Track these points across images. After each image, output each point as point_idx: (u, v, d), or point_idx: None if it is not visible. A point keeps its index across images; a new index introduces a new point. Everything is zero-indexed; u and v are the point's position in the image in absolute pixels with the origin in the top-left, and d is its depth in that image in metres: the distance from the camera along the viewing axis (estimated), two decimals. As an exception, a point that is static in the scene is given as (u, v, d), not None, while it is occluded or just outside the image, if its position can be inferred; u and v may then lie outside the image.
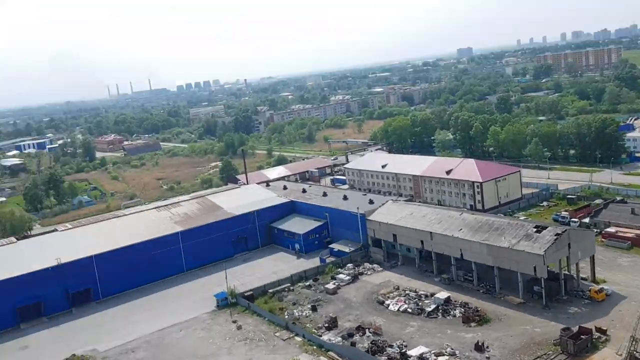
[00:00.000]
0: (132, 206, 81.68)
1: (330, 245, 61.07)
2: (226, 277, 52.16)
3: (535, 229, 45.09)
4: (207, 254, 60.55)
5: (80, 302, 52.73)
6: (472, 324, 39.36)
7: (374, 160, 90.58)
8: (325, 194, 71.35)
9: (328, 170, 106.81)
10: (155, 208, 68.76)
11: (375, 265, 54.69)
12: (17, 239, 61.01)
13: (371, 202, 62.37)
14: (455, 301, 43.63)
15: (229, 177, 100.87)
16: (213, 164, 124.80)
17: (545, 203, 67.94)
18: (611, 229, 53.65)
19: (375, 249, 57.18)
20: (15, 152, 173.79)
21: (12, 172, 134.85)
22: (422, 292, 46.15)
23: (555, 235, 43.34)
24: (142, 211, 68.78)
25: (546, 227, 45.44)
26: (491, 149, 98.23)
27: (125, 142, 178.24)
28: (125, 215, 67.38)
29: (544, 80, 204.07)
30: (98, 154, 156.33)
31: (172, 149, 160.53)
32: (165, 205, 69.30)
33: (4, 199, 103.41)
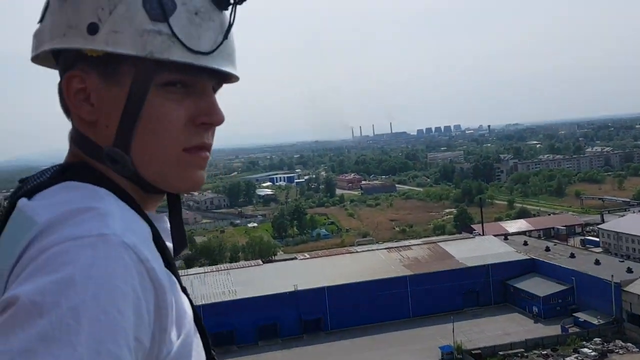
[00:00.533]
0: (364, 244, 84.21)
1: (575, 314, 54.14)
2: (453, 330, 49.60)
3: None
4: (434, 302, 58.59)
5: (310, 330, 55.30)
6: None
7: (637, 223, 78.69)
8: (572, 256, 63.96)
9: (578, 229, 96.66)
10: (386, 248, 69.59)
11: (629, 345, 47.16)
12: (263, 262, 67.13)
13: (630, 270, 54.05)
14: None
15: (463, 225, 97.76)
16: (447, 210, 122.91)
17: None
18: None
19: (631, 326, 49.16)
20: (268, 183, 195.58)
21: (264, 201, 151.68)
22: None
23: None
24: (373, 250, 70.15)
25: None
26: None
27: (363, 182, 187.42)
28: (358, 251, 69.38)
29: None
30: (338, 191, 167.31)
31: (407, 192, 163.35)
32: (396, 247, 69.67)
33: (255, 224, 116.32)
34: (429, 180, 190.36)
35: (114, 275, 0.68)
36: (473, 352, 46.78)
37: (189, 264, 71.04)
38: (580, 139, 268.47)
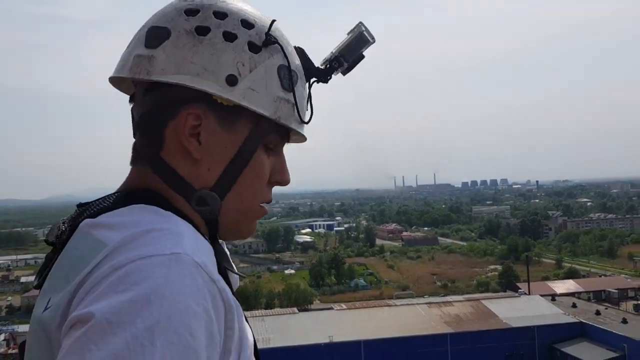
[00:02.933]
0: (403, 297, 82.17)
1: (629, 385, 50.37)
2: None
3: None
4: (475, 363, 55.83)
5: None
6: None
7: (697, 289, 74.14)
8: (625, 321, 60.19)
9: (631, 293, 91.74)
10: (426, 303, 67.32)
11: None
12: (298, 310, 65.87)
13: (689, 342, 50.24)
14: None
15: (508, 283, 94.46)
16: (492, 266, 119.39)
17: None
18: None
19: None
20: (308, 230, 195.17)
21: (303, 248, 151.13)
22: None
23: None
24: (412, 304, 68.01)
25: None
26: None
27: (405, 233, 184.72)
28: (397, 305, 67.34)
29: None
30: (378, 241, 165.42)
31: (450, 246, 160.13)
32: (437, 303, 67.35)
33: (292, 271, 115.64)
34: (473, 234, 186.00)
35: (187, 295, 0.68)
36: (516, 420, 43.87)
37: (225, 308, 70.39)
38: (633, 198, 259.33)
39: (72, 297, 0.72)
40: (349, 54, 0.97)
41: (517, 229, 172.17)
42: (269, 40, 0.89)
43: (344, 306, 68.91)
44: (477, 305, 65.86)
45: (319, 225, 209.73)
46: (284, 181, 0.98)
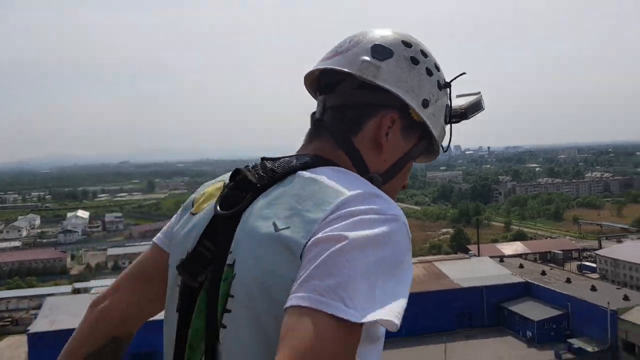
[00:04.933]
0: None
1: (569, 340, 53.38)
2: (445, 352, 48.99)
3: None
4: (427, 322, 57.66)
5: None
6: None
7: (635, 250, 78.51)
8: (568, 281, 63.36)
9: (575, 254, 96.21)
10: (382, 266, 68.89)
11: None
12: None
13: (626, 298, 53.42)
14: None
15: (459, 246, 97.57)
16: (444, 230, 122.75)
17: None
18: None
19: (627, 355, 48.51)
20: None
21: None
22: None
23: None
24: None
25: None
26: None
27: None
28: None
29: None
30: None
31: (405, 210, 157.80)
32: (392, 265, 68.87)
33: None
34: (427, 199, 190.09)
35: (409, 248, 0.93)
36: (465, 375, 46.06)
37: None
38: (580, 163, 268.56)
39: (320, 223, 0.92)
40: (470, 112, 1.32)
41: (468, 193, 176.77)
42: (447, 84, 1.25)
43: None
44: (429, 267, 67.84)
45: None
46: (407, 185, 1.31)
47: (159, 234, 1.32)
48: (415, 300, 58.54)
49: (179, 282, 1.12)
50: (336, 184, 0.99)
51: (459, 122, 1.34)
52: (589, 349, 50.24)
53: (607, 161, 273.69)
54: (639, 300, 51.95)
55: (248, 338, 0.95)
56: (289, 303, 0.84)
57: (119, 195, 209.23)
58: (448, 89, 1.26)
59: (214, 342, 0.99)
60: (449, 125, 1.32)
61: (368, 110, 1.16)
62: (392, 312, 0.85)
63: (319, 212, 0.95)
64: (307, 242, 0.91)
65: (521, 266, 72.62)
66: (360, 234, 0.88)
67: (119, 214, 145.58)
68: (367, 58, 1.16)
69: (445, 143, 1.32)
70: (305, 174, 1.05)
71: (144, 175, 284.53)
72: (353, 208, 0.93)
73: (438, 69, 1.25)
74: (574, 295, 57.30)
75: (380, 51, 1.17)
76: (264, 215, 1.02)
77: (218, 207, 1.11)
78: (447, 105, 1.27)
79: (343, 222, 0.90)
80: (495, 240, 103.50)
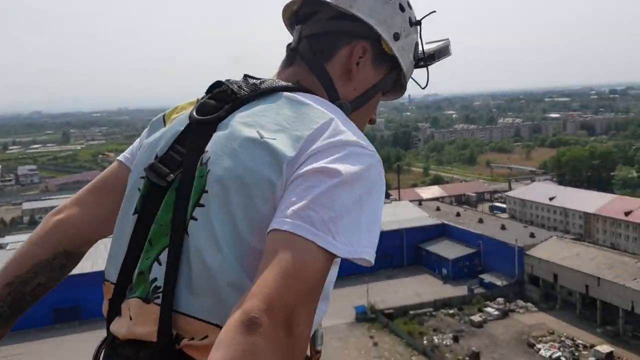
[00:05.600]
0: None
1: (481, 276, 57.39)
2: (367, 291, 51.32)
3: None
4: (350, 264, 59.51)
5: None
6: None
7: (541, 191, 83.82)
8: (481, 221, 67.47)
9: (487, 196, 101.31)
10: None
11: (529, 304, 50.40)
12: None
13: (532, 235, 57.73)
14: (619, 358, 38.95)
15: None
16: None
17: None
18: None
19: (532, 287, 52.62)
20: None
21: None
22: (580, 342, 41.56)
23: None
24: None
25: None
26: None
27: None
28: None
29: None
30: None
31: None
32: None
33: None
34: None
35: (384, 189, 1.04)
36: (385, 311, 48.75)
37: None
38: (493, 110, 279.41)
39: (304, 144, 0.98)
40: (438, 55, 1.37)
41: (390, 140, 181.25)
42: (418, 22, 1.30)
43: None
44: (353, 212, 69.90)
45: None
46: (374, 119, 1.37)
47: (124, 152, 1.30)
48: (340, 244, 60.73)
49: (140, 186, 1.10)
50: (321, 108, 1.06)
51: (428, 64, 1.38)
52: (499, 283, 54.07)
53: (518, 107, 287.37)
54: (543, 237, 56.42)
55: (219, 228, 0.95)
56: (282, 225, 0.88)
57: (32, 147, 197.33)
58: (418, 27, 1.30)
59: (181, 235, 0.98)
60: (421, 67, 1.38)
61: (341, 38, 1.20)
62: (371, 250, 0.95)
63: (306, 130, 0.99)
64: (294, 156, 0.96)
65: (438, 209, 76.47)
66: (352, 169, 0.95)
67: (33, 167, 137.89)
68: None
69: (422, 82, 1.40)
70: (289, 94, 1.10)
71: (58, 126, 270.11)
72: (342, 137, 0.99)
73: (410, 6, 1.29)
74: (485, 234, 61.27)
75: None
76: (246, 123, 1.04)
77: (194, 113, 1.10)
78: (416, 42, 1.31)
79: (335, 155, 0.96)
80: (415, 185, 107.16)
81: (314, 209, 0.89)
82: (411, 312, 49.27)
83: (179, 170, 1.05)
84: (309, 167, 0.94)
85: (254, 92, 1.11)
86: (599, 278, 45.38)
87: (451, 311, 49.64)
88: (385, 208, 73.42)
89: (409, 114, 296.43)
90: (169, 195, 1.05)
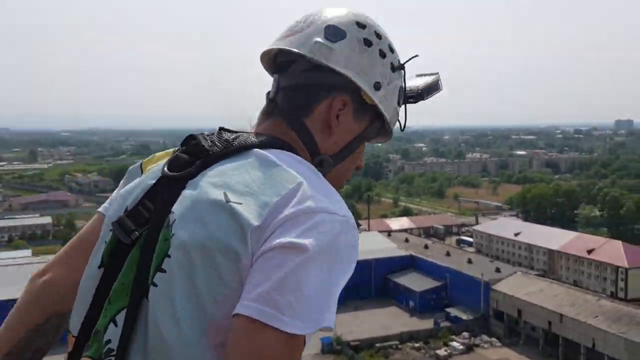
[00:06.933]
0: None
1: (447, 309, 57.68)
2: (334, 322, 50.97)
3: (690, 333, 39.11)
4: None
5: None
6: None
7: (507, 226, 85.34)
8: (448, 254, 68.15)
9: (455, 230, 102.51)
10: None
11: (493, 339, 50.76)
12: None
13: (498, 270, 58.49)
14: None
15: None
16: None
17: None
18: None
19: (496, 322, 53.09)
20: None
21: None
22: (543, 379, 42.04)
23: None
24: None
25: None
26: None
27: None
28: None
29: None
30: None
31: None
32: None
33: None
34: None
35: (355, 254, 0.99)
36: (352, 343, 48.51)
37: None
38: (462, 144, 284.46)
39: (270, 212, 0.94)
40: (427, 93, 1.32)
41: (361, 170, 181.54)
42: (401, 66, 1.25)
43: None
44: (322, 241, 69.81)
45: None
46: (361, 166, 1.33)
47: (104, 203, 1.25)
48: (308, 274, 60.47)
49: (107, 239, 1.08)
50: (291, 170, 1.01)
51: (415, 102, 1.34)
52: (464, 317, 54.45)
53: (486, 143, 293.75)
54: (508, 272, 57.24)
55: (179, 300, 0.91)
56: (247, 310, 0.86)
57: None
58: (402, 71, 1.25)
59: (140, 299, 0.95)
60: (404, 106, 1.32)
61: (319, 92, 1.16)
62: (332, 317, 0.95)
63: (274, 195, 0.95)
64: (259, 225, 0.92)
65: (407, 240, 77.00)
66: (320, 242, 0.91)
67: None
68: (319, 39, 1.15)
69: (401, 122, 1.35)
70: (262, 152, 1.05)
71: (26, 144, 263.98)
72: (310, 204, 0.95)
73: (392, 50, 1.23)
74: (452, 268, 61.90)
75: (333, 32, 1.17)
76: (214, 183, 1.00)
77: (166, 169, 1.08)
78: (400, 87, 1.26)
79: (303, 226, 0.92)
80: (385, 216, 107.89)
81: (280, 292, 0.86)
82: (377, 344, 49.20)
83: (145, 227, 1.02)
84: (276, 241, 0.90)
85: (227, 148, 1.07)
86: (561, 315, 46.15)
87: (417, 344, 49.74)
88: (355, 239, 71.75)
89: (380, 145, 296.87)
90: (133, 253, 1.02)
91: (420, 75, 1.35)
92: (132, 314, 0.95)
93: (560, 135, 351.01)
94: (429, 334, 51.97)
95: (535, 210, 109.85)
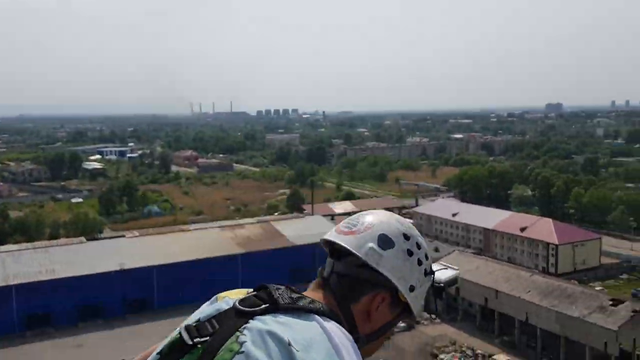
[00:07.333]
0: (198, 222, 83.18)
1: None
2: (279, 306, 51.43)
3: (611, 302, 41.97)
4: (264, 279, 57.61)
5: (136, 310, 53.62)
6: (533, 397, 36.48)
7: (445, 207, 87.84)
8: (390, 236, 69.61)
9: (396, 212, 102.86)
10: (219, 227, 69.56)
11: (433, 316, 52.50)
12: (87, 239, 63.16)
13: (437, 250, 60.76)
14: None
15: (295, 206, 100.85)
16: (282, 190, 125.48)
17: (625, 276, 63.43)
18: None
19: (431, 298, 55.06)
20: (97, 156, 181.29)
21: (92, 176, 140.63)
22: (479, 352, 43.83)
23: (633, 312, 40.10)
24: (207, 228, 69.80)
25: (623, 302, 42.21)
26: (572, 211, 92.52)
27: (200, 160, 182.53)
28: (190, 230, 68.57)
29: (637, 146, 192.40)
30: (173, 168, 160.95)
31: (244, 172, 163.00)
32: (229, 226, 69.99)
33: (80, 200, 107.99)
34: (265, 160, 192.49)
35: None
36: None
37: (1, 240, 64.29)
38: (402, 129, 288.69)
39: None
40: (447, 287, 2.16)
41: (305, 155, 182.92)
42: (432, 272, 1.59)
43: (136, 233, 67.79)
44: (266, 226, 70.28)
45: (110, 151, 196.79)
46: (390, 337, 1.64)
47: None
48: (253, 260, 60.67)
49: (172, 336, 1.45)
50: (338, 348, 1.30)
51: (436, 295, 1.67)
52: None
53: (425, 127, 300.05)
54: (446, 252, 59.31)
55: None
56: None
57: None
58: (432, 275, 1.61)
59: None
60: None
61: (366, 286, 1.51)
62: None
63: (325, 357, 1.26)
64: None
65: (350, 224, 77.96)
66: None
67: None
68: (373, 246, 1.51)
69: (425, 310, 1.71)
70: (320, 320, 1.35)
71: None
72: None
73: (427, 257, 1.61)
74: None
75: (385, 241, 1.52)
76: (280, 326, 1.31)
77: (237, 303, 1.43)
78: (429, 288, 1.62)
79: None
80: (328, 200, 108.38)
81: None
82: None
83: (204, 338, 1.35)
84: None
85: (292, 305, 1.38)
86: (496, 290, 48.24)
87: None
88: (299, 223, 73.91)
89: (323, 130, 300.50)
90: (190, 355, 1.34)
91: (439, 269, 1.82)
92: None
93: (495, 119, 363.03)
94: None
95: (471, 191, 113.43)
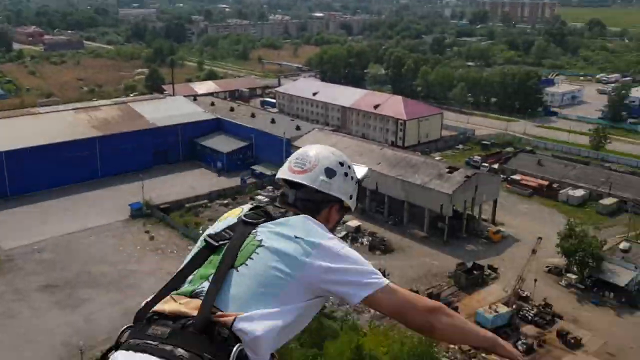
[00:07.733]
0: (48, 105, 77.60)
1: (252, 167, 61.44)
2: (143, 188, 51.71)
3: (447, 170, 47.77)
4: (124, 162, 58.99)
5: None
6: (378, 252, 41.94)
7: (306, 86, 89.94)
8: (253, 115, 71.00)
9: (259, 92, 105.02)
10: (73, 109, 65.91)
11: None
12: None
13: (298, 128, 63.03)
14: (365, 230, 46.24)
15: (154, 86, 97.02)
16: (139, 70, 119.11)
17: (461, 146, 71.16)
18: (516, 177, 57.53)
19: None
20: None
21: None
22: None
23: (465, 177, 46.21)
24: (58, 111, 65.79)
25: (458, 169, 48.26)
26: (419, 88, 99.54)
27: (47, 36, 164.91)
28: (41, 113, 64.28)
29: (479, 26, 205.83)
30: (15, 46, 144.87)
31: (96, 50, 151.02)
32: (84, 108, 66.58)
33: None
34: (120, 38, 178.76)
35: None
36: (161, 206, 50.04)
37: None
38: (264, 6, 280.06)
39: (315, 247, 1.90)
40: (361, 181, 2.30)
41: (162, 32, 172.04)
42: (358, 180, 2.26)
43: (-23, 118, 62.04)
44: (125, 108, 67.71)
45: None
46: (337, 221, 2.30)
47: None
48: (112, 143, 59.14)
49: (201, 244, 2.01)
50: (319, 228, 1.96)
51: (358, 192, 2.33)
52: (268, 172, 58.45)
53: (286, 5, 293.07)
54: (307, 129, 62.04)
55: (254, 280, 1.82)
56: (365, 293, 1.86)
57: None
58: (358, 183, 2.26)
59: (225, 270, 1.85)
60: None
61: (323, 203, 2.14)
62: None
63: (319, 239, 1.91)
64: (315, 252, 1.87)
65: (213, 104, 77.84)
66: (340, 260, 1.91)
67: None
68: (323, 178, 2.12)
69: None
70: (307, 217, 2.00)
71: None
72: (332, 245, 1.91)
73: (354, 171, 2.24)
74: (257, 128, 65.17)
75: (330, 172, 2.13)
76: (285, 226, 1.94)
77: (242, 216, 2.02)
78: (357, 190, 2.28)
79: (331, 251, 1.90)
80: (190, 80, 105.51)
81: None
82: (187, 205, 51.51)
83: (225, 241, 1.93)
84: (321, 262, 1.86)
85: (282, 216, 1.98)
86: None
87: (225, 201, 53.11)
88: (160, 104, 72.49)
89: (181, 5, 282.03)
90: (217, 252, 1.91)
91: (354, 164, 2.30)
92: (220, 275, 1.82)
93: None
94: (236, 190, 55.90)
95: (331, 70, 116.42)
